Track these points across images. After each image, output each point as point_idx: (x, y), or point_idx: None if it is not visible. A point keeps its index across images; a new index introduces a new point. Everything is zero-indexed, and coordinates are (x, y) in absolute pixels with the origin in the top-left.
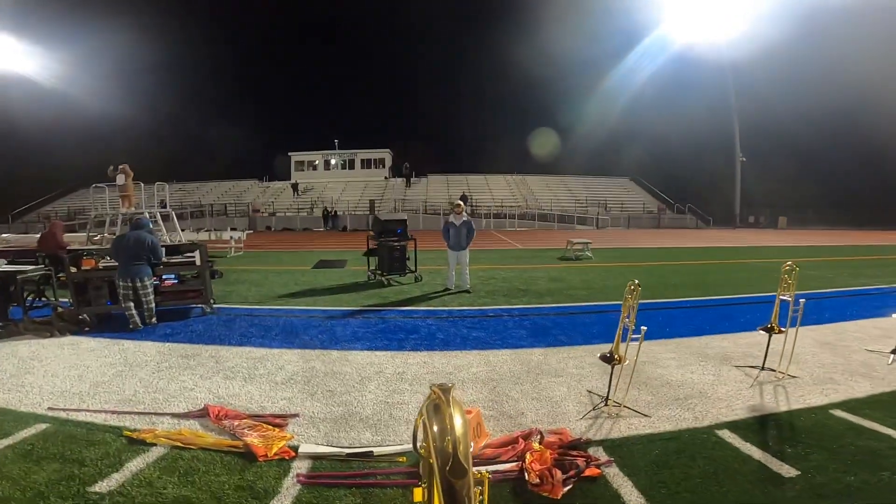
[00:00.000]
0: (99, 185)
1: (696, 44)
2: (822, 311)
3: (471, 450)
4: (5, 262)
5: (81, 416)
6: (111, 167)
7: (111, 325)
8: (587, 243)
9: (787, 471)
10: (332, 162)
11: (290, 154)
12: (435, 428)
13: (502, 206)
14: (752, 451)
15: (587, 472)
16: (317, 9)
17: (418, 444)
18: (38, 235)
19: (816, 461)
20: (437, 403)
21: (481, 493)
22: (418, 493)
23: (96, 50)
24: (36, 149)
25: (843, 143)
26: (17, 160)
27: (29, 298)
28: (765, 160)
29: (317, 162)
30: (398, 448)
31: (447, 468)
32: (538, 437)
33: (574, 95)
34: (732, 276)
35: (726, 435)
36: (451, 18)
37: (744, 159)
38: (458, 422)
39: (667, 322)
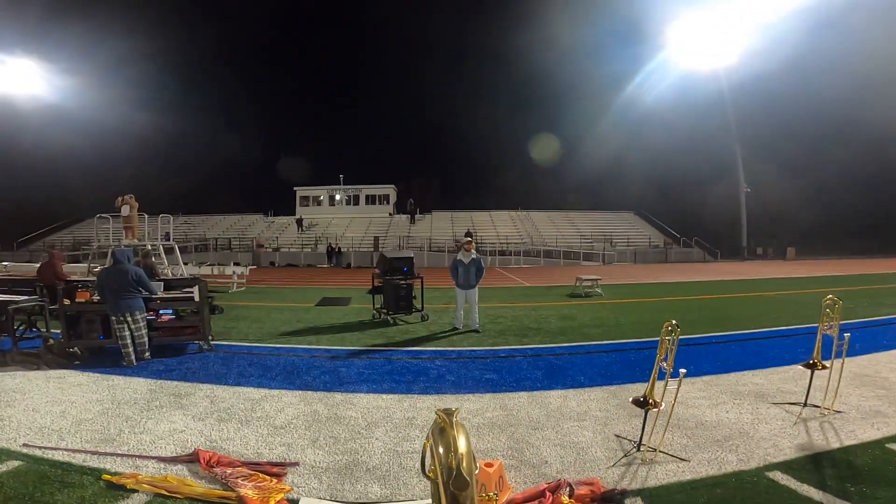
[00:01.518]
0: (103, 215)
1: (695, 75)
2: (851, 342)
3: (475, 469)
4: None
5: (58, 455)
6: (119, 199)
7: (102, 360)
8: (596, 279)
9: None
10: (337, 197)
11: (295, 189)
12: (440, 449)
13: (507, 243)
14: (811, 493)
15: None
16: (324, 44)
17: (426, 468)
18: (38, 265)
19: (884, 498)
20: (442, 427)
21: None
22: None
23: (107, 82)
24: (44, 177)
25: (851, 171)
26: (24, 188)
27: (20, 329)
28: (770, 190)
29: (321, 197)
30: None
31: (450, 481)
32: (567, 489)
33: (577, 130)
34: (750, 309)
35: (778, 477)
36: (457, 55)
37: (748, 190)
38: (461, 442)
39: (691, 359)
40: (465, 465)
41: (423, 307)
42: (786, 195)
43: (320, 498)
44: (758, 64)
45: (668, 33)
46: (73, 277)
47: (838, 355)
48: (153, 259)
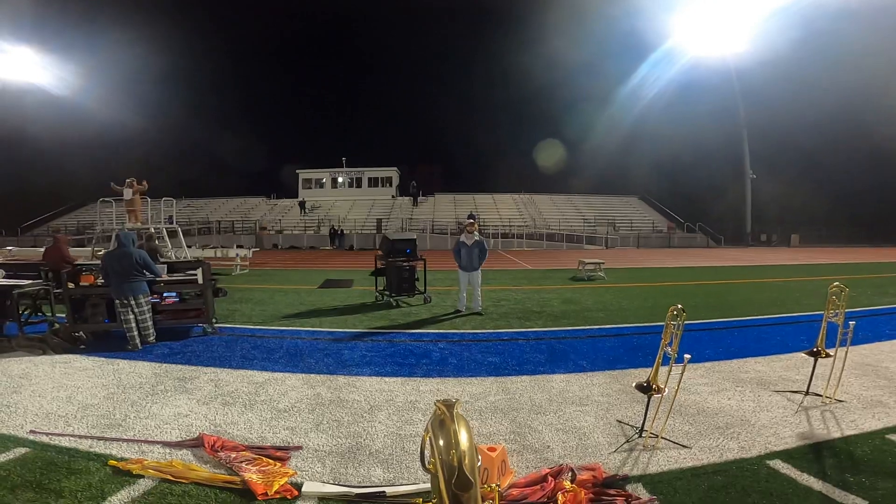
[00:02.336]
0: (106, 199)
1: (703, 60)
2: (854, 330)
3: (478, 464)
4: (2, 274)
5: (65, 442)
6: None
7: (108, 344)
8: (600, 263)
9: (854, 501)
10: (340, 180)
11: (297, 171)
12: (441, 442)
13: (510, 226)
14: (811, 482)
15: None
16: (326, 28)
17: (426, 461)
18: (43, 249)
19: (885, 489)
20: (442, 419)
21: None
22: None
23: (109, 65)
24: (48, 161)
25: (857, 159)
26: (28, 173)
27: (25, 313)
28: (776, 177)
29: (324, 180)
30: (413, 488)
31: (453, 481)
32: (569, 474)
33: (582, 114)
34: (754, 295)
35: (779, 465)
36: (461, 39)
37: (754, 176)
38: (463, 436)
39: (693, 345)
40: (467, 462)
41: (425, 289)
42: (791, 182)
43: (323, 482)
44: (766, 50)
45: (676, 19)
46: (80, 261)
47: (843, 343)
48: (157, 242)
